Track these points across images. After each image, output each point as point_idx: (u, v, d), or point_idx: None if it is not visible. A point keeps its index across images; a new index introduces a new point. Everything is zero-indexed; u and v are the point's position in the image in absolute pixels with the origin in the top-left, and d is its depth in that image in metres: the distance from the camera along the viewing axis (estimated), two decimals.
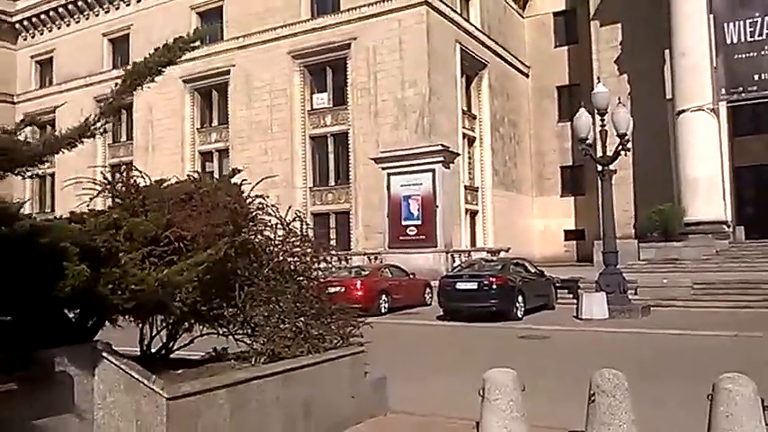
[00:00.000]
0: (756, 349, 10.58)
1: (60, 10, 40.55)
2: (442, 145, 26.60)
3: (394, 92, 29.08)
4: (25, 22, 42.27)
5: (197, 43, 4.42)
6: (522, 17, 38.49)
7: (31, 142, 3.94)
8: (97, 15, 39.43)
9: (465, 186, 31.35)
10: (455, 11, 31.42)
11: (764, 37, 25.70)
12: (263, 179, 6.13)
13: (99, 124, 3.99)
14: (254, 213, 5.74)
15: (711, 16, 26.08)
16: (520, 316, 15.85)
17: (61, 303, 4.13)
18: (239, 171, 6.07)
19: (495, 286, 15.84)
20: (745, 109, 27.63)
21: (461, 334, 14.36)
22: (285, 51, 31.86)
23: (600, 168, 16.85)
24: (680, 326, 13.72)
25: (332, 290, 7.75)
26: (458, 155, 28.52)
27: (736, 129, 27.97)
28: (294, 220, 6.07)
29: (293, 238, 5.97)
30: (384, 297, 18.37)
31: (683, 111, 25.61)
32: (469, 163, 32.62)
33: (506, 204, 34.36)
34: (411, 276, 20.94)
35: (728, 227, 26.20)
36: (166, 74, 4.54)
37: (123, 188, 5.45)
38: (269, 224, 5.85)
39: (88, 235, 4.27)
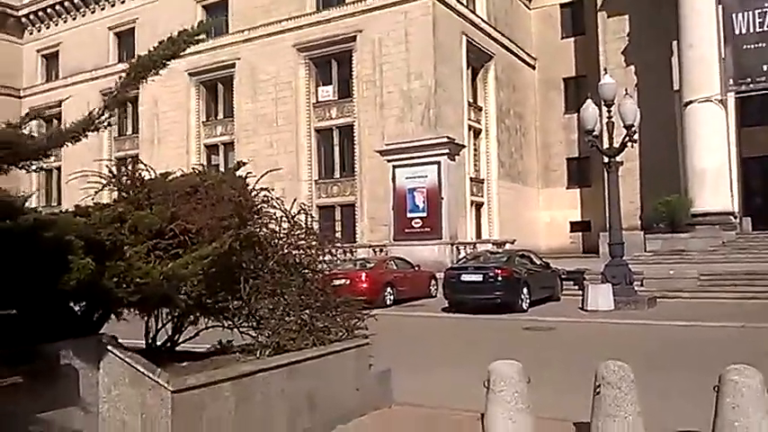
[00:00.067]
0: (763, 340, 10.52)
1: (66, 4, 40.53)
2: (448, 137, 26.52)
3: (399, 84, 28.97)
4: (31, 16, 42.26)
5: (202, 36, 4.42)
6: (529, 9, 38.25)
7: (35, 136, 3.95)
8: (103, 9, 39.42)
9: (471, 178, 31.22)
10: (461, 2, 31.20)
11: None
12: (268, 172, 6.14)
13: (103, 117, 3.98)
14: (259, 206, 5.75)
15: (720, 7, 25.90)
16: (525, 308, 15.86)
17: (66, 296, 4.14)
18: (244, 164, 6.06)
19: (500, 278, 15.86)
20: (753, 99, 27.41)
21: (466, 326, 14.38)
22: (290, 44, 31.75)
23: (606, 160, 16.82)
24: (686, 317, 13.69)
25: (337, 282, 7.78)
26: (463, 147, 28.41)
27: (744, 119, 27.75)
28: (299, 212, 6.07)
29: (298, 231, 5.98)
30: (389, 289, 18.40)
31: (691, 102, 25.45)
32: (475, 155, 32.49)
33: (512, 196, 34.25)
34: (416, 268, 20.95)
35: (735, 218, 26.06)
36: (172, 67, 4.53)
37: (128, 181, 5.46)
38: (274, 217, 5.85)
39: (93, 228, 4.28)
